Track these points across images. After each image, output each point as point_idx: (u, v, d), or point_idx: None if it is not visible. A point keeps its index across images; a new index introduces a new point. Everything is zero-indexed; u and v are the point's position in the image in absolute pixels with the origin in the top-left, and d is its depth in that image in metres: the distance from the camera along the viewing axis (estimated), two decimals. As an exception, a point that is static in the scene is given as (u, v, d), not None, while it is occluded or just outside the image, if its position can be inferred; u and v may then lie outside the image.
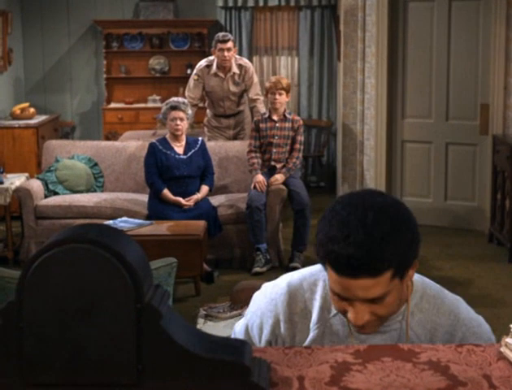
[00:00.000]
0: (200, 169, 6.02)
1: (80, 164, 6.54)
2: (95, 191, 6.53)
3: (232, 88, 6.76)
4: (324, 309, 1.73)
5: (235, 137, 6.97)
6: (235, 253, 6.13)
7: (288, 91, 6.16)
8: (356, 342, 1.68)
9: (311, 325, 1.73)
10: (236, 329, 1.88)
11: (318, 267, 1.77)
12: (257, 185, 6.02)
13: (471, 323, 1.72)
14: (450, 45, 6.95)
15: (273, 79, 6.30)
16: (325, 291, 1.73)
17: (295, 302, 1.74)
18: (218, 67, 6.71)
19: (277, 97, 6.10)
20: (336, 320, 1.72)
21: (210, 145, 6.38)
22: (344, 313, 1.63)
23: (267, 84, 6.23)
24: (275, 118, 6.17)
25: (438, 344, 1.63)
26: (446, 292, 1.77)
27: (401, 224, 1.56)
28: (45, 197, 6.30)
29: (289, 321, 1.73)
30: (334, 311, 1.71)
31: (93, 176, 6.56)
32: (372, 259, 1.51)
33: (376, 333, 1.68)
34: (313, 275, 1.77)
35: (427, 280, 1.77)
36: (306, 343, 1.71)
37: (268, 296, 1.77)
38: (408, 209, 1.62)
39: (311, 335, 1.72)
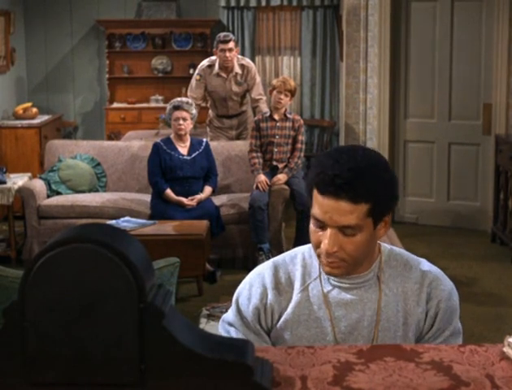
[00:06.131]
0: (203, 170, 6.02)
1: (83, 164, 6.53)
2: (98, 191, 6.53)
3: (235, 89, 6.75)
4: (305, 274, 1.90)
5: (237, 137, 6.96)
6: (237, 253, 6.13)
7: (293, 94, 6.14)
8: (334, 300, 1.85)
9: (294, 293, 1.89)
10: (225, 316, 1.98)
11: (296, 248, 1.98)
12: (259, 185, 6.01)
13: (436, 273, 1.90)
14: (453, 45, 6.94)
15: (281, 78, 6.26)
16: (304, 260, 1.92)
17: (280, 273, 1.91)
18: (220, 68, 6.70)
19: (282, 97, 6.07)
20: (316, 283, 1.88)
21: (212, 145, 6.37)
22: (319, 246, 1.77)
23: (275, 82, 6.18)
24: (276, 117, 6.16)
25: (410, 295, 1.85)
26: (409, 253, 1.97)
27: (384, 167, 1.77)
28: (48, 196, 6.30)
29: (276, 288, 1.89)
30: (314, 276, 1.89)
31: (95, 176, 6.56)
32: (355, 183, 1.69)
33: (352, 289, 1.85)
34: (293, 251, 1.97)
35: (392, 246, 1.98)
36: (290, 308, 1.87)
37: (255, 272, 1.95)
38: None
39: (294, 300, 1.88)
